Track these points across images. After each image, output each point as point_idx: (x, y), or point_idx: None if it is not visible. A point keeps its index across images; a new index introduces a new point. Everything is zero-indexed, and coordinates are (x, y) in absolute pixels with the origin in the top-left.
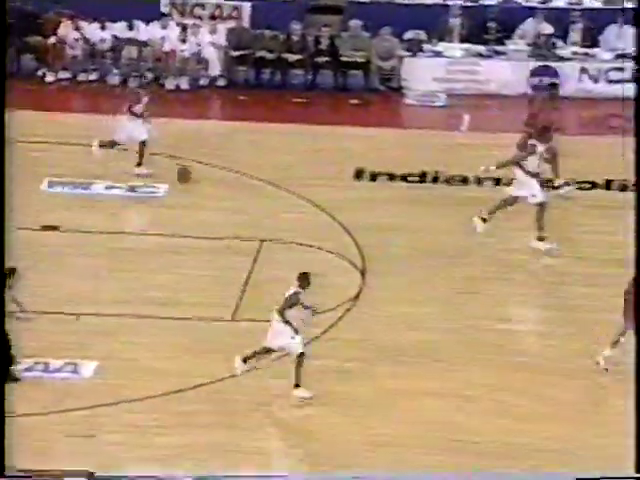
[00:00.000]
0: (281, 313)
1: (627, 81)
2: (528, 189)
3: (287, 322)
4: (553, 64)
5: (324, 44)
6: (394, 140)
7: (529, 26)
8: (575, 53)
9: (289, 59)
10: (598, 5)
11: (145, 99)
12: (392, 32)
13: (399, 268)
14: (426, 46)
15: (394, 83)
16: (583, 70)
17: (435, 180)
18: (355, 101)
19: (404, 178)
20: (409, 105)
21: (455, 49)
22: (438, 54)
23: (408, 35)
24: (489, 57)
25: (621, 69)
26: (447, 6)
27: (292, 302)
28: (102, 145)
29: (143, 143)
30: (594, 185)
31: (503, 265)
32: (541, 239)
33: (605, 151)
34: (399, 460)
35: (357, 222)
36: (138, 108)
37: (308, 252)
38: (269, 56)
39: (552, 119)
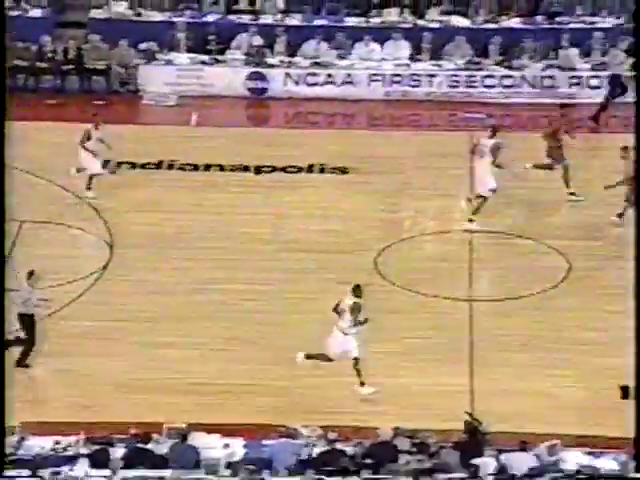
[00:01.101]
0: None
1: (325, 83)
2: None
3: (345, 329)
4: (263, 70)
5: (71, 54)
6: (134, 134)
7: (243, 39)
8: (281, 61)
9: (41, 66)
10: (298, 23)
11: (96, 134)
12: (129, 43)
13: (143, 242)
14: (159, 55)
15: (132, 86)
16: (287, 75)
17: (170, 167)
18: (99, 102)
19: (144, 166)
20: (146, 105)
21: (183, 58)
22: (169, 62)
23: (143, 46)
24: (211, 64)
25: (316, 74)
26: (173, 22)
27: (358, 311)
28: (79, 170)
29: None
30: (300, 169)
31: (230, 237)
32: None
33: (308, 141)
34: (143, 404)
35: (104, 204)
36: (90, 144)
37: (62, 230)
38: (23, 64)
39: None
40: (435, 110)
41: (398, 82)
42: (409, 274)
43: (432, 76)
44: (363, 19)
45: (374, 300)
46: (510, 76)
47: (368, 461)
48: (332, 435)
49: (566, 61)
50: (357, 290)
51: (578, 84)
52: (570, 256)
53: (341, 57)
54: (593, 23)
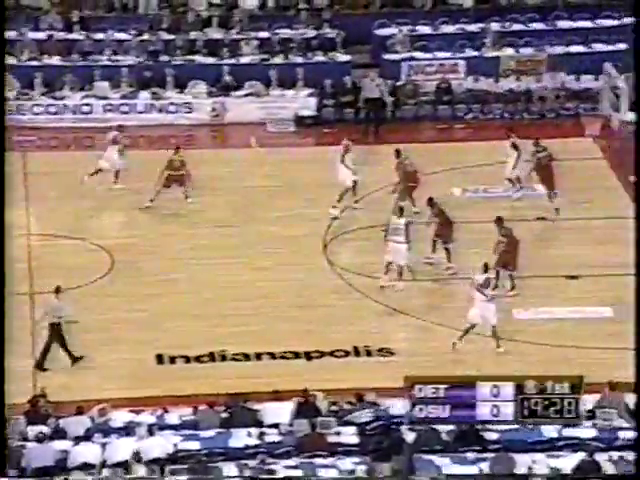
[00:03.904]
0: (482, 292)
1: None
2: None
3: (489, 299)
4: None
5: None
6: None
7: None
8: None
9: None
10: None
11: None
12: None
13: None
14: None
15: None
16: None
17: None
18: None
19: None
20: None
21: None
22: None
23: None
24: None
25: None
26: None
27: (488, 284)
28: (92, 174)
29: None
30: None
31: None
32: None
33: None
34: None
35: None
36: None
37: None
38: None
39: None
40: None
41: None
42: None
43: None
44: None
45: None
46: (54, 104)
47: None
48: None
49: (100, 92)
50: (485, 266)
51: (111, 110)
52: (112, 251)
53: None
54: (118, 61)
